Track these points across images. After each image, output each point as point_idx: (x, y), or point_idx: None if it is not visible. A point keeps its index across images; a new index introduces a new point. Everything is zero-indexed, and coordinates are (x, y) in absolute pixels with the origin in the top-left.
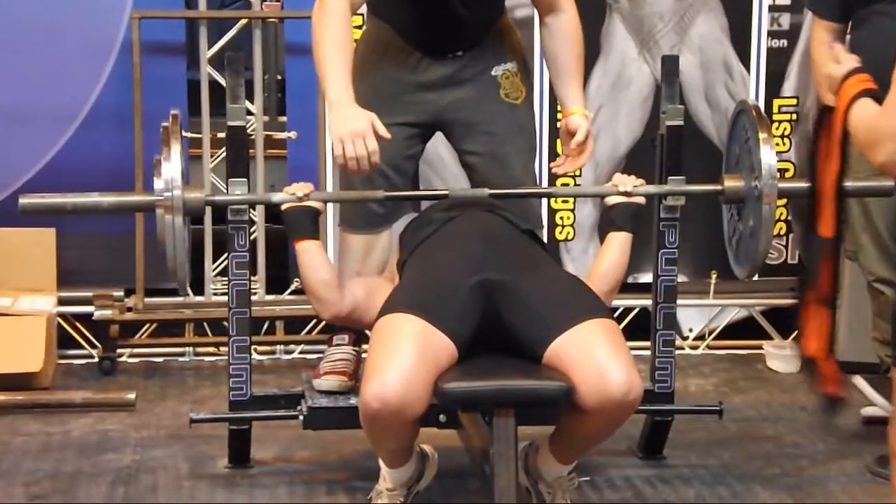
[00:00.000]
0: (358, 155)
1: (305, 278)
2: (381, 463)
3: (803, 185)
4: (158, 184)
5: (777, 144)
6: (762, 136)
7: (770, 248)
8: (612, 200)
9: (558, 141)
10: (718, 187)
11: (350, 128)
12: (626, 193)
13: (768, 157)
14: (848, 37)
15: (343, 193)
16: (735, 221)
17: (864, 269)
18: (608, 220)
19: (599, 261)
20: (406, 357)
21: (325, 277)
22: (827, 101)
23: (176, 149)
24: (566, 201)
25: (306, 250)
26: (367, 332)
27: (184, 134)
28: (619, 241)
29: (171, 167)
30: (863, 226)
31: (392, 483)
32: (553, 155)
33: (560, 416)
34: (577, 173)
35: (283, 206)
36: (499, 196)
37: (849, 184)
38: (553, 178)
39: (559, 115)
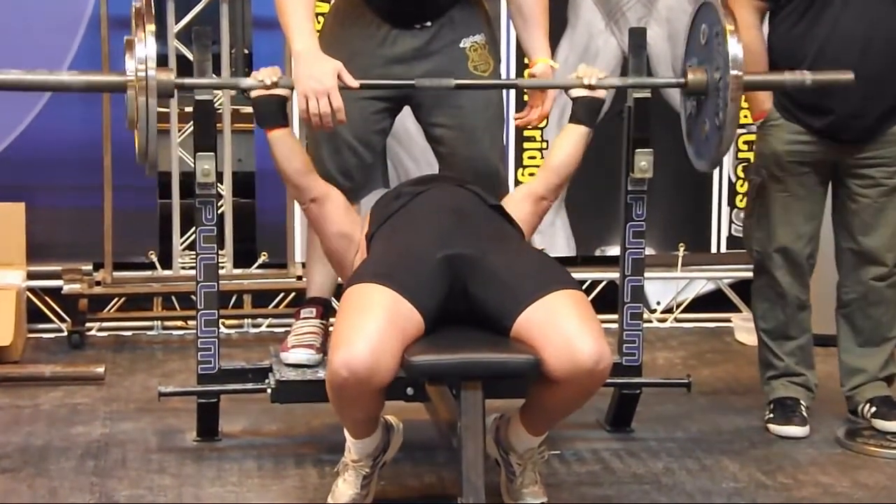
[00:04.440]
0: (322, 112)
1: (280, 167)
2: (347, 434)
3: (767, 77)
4: (130, 64)
5: (745, 117)
6: (728, 27)
7: (733, 139)
8: (575, 93)
9: None
10: (681, 80)
11: (316, 84)
12: (589, 87)
13: (734, 48)
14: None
15: None
16: (694, 116)
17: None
18: (571, 113)
19: (554, 152)
20: (374, 326)
21: (298, 165)
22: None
23: (150, 29)
24: (532, 174)
25: (278, 139)
26: (334, 301)
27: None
28: (578, 135)
29: (144, 48)
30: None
31: (357, 454)
32: (519, 128)
33: (530, 387)
34: (543, 145)
35: (252, 94)
36: (465, 87)
37: (809, 76)
38: (520, 155)
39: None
